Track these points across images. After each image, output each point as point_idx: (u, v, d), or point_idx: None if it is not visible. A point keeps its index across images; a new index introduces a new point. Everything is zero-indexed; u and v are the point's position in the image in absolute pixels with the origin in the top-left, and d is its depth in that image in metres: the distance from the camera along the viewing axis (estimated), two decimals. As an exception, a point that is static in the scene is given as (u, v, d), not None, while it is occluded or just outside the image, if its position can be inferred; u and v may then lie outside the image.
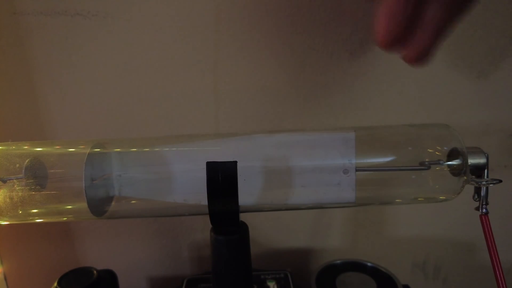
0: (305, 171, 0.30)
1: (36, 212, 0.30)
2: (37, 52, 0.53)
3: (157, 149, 0.32)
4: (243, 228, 0.32)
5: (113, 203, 0.31)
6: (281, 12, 0.53)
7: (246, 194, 0.30)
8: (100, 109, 0.56)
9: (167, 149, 0.32)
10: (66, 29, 0.51)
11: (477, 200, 0.31)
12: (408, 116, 0.56)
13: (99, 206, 0.30)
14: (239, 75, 0.55)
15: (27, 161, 0.29)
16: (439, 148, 0.32)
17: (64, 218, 0.31)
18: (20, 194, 0.29)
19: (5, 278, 0.61)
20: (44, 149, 0.31)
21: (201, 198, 0.30)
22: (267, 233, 0.65)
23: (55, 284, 0.45)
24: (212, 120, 0.58)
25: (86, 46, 0.53)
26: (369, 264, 0.57)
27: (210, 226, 0.63)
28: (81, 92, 0.55)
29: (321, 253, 0.67)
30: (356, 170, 0.30)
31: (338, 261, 0.58)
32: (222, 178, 0.28)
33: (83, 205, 0.29)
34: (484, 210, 0.30)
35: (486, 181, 0.30)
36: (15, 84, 0.54)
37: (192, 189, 0.31)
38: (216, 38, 0.53)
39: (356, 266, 0.57)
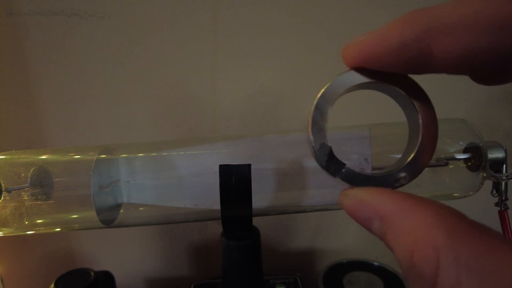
0: (320, 172, 0.29)
1: (42, 222, 0.29)
2: (33, 53, 0.52)
3: (165, 154, 0.31)
4: (255, 233, 0.31)
5: (121, 210, 0.30)
6: (280, 12, 0.52)
7: (259, 198, 0.29)
8: (97, 110, 0.55)
9: (176, 153, 0.31)
10: (63, 29, 0.50)
11: (496, 195, 0.30)
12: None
13: (108, 214, 0.29)
14: (237, 75, 0.55)
15: (32, 170, 0.28)
16: (455, 143, 0.31)
17: (72, 228, 0.30)
18: (26, 204, 0.28)
19: (2, 280, 0.60)
20: (49, 157, 0.30)
21: (213, 202, 0.29)
22: (269, 234, 0.65)
23: (52, 285, 0.45)
24: (210, 120, 0.57)
25: (83, 47, 0.52)
26: (375, 263, 0.57)
27: (208, 227, 0.64)
28: (78, 92, 0.54)
29: (325, 254, 0.67)
30: (373, 169, 0.29)
31: (345, 261, 0.58)
32: (235, 181, 0.27)
33: (92, 213, 0.28)
34: (504, 205, 0.30)
35: (506, 176, 0.29)
36: (11, 84, 0.53)
37: (203, 194, 0.30)
38: (214, 38, 0.53)
39: (362, 266, 0.57)
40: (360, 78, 0.18)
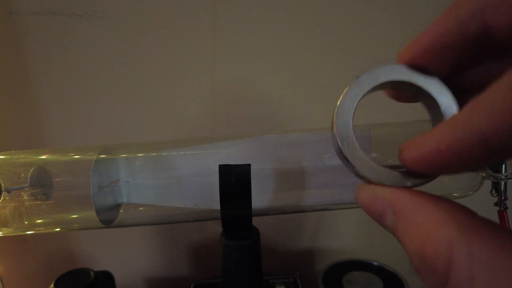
0: (319, 172, 0.29)
1: (42, 222, 0.29)
2: (33, 53, 0.52)
3: (165, 154, 0.31)
4: (255, 233, 0.32)
5: (121, 210, 0.30)
6: (279, 12, 0.52)
7: (259, 197, 0.29)
8: (96, 110, 0.55)
9: (175, 153, 0.31)
10: (62, 29, 0.50)
11: (495, 195, 0.30)
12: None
13: (107, 214, 0.29)
14: (237, 75, 0.55)
15: (31, 170, 0.28)
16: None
17: (71, 228, 0.30)
18: (25, 204, 0.28)
19: (1, 280, 0.60)
20: (49, 157, 0.30)
21: (213, 202, 0.29)
22: (269, 234, 0.65)
23: (52, 285, 0.45)
24: (209, 121, 0.57)
25: (83, 47, 0.52)
26: (375, 263, 0.56)
27: (208, 227, 0.64)
28: (78, 92, 0.54)
29: (324, 254, 0.67)
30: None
31: (344, 261, 0.57)
32: (235, 181, 0.27)
33: (91, 213, 0.28)
34: (503, 205, 0.30)
35: (505, 176, 0.29)
36: (11, 84, 0.53)
37: (203, 194, 0.30)
38: (214, 38, 0.53)
39: (362, 265, 0.57)
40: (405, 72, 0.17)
